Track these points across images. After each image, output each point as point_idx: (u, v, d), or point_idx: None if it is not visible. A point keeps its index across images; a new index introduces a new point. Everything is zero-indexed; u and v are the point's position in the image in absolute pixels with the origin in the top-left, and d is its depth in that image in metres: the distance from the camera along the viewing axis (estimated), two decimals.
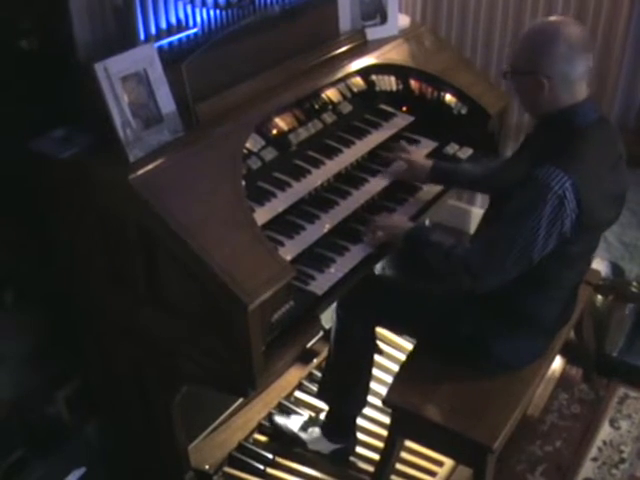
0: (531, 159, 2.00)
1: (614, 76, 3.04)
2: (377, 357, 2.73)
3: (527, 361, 2.24)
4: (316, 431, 2.60)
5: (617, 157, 2.08)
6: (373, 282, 2.42)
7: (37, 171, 1.97)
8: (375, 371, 2.61)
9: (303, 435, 2.62)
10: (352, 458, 2.60)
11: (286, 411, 2.76)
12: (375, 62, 2.59)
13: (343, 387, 2.48)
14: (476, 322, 2.18)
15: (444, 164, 2.49)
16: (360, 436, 2.66)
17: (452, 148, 2.69)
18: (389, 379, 2.58)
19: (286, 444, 2.65)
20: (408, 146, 2.59)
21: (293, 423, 2.67)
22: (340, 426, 2.57)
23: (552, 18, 2.07)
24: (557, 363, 2.97)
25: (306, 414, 2.73)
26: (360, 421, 2.66)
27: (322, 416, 2.63)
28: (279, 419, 2.70)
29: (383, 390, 2.44)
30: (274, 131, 2.27)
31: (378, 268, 2.62)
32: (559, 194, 1.87)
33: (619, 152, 2.10)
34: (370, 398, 2.58)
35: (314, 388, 2.85)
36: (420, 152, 2.57)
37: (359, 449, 2.63)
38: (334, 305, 2.34)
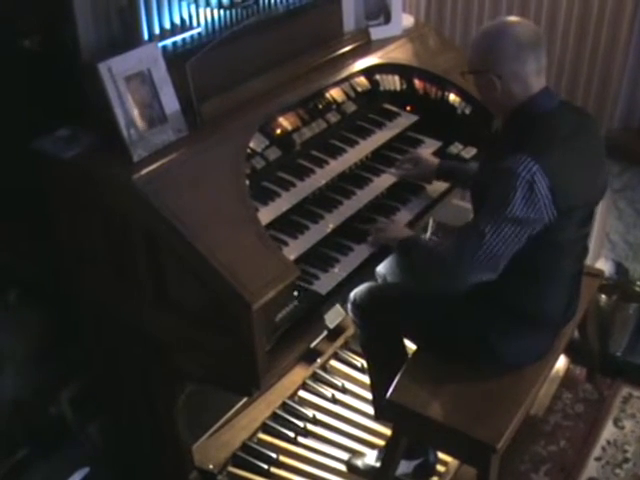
0: (496, 155, 1.99)
1: (618, 77, 3.03)
2: None
3: (531, 360, 2.23)
4: None
5: (589, 136, 2.07)
6: (374, 290, 2.41)
7: (41, 171, 1.97)
8: None
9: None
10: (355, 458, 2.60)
11: (354, 452, 2.63)
12: (379, 62, 2.59)
13: None
14: (478, 321, 2.17)
15: (451, 162, 2.50)
16: (365, 436, 2.66)
17: (456, 148, 2.68)
18: None
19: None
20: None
21: (370, 459, 2.55)
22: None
23: (503, 19, 2.09)
24: (561, 363, 2.96)
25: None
26: (372, 424, 2.65)
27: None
28: (354, 461, 2.58)
29: None
30: (278, 131, 2.27)
31: (380, 274, 2.60)
32: (527, 179, 1.86)
33: (593, 131, 2.10)
34: None
35: (318, 388, 2.85)
36: (426, 151, 2.57)
37: (364, 448, 2.63)
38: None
